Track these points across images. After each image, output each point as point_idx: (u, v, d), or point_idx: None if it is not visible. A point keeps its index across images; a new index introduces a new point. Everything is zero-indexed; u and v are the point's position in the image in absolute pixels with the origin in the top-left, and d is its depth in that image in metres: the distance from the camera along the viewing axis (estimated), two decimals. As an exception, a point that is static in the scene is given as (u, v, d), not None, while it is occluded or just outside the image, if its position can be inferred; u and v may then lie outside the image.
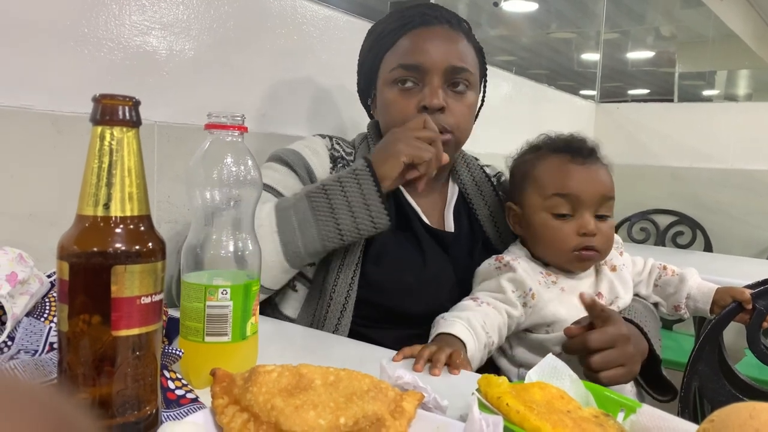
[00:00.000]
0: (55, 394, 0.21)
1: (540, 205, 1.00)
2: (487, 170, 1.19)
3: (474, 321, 0.88)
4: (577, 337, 0.86)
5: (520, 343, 1.00)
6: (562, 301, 0.98)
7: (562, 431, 0.51)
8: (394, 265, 1.01)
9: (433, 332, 0.88)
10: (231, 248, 0.63)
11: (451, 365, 0.76)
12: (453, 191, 1.14)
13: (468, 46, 1.06)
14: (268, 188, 1.01)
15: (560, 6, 2.94)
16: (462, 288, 1.04)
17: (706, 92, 4.27)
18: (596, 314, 0.87)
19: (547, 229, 1.00)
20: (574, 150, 1.01)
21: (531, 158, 1.05)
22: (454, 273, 1.06)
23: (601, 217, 0.99)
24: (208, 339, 0.60)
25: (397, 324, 1.01)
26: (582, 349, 0.84)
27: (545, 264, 1.02)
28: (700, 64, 4.20)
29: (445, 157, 0.96)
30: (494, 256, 1.02)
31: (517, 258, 1.00)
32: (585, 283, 1.01)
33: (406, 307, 1.01)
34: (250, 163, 0.65)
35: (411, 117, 1.00)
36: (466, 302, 0.95)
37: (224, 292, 0.60)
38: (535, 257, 1.03)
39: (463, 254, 1.08)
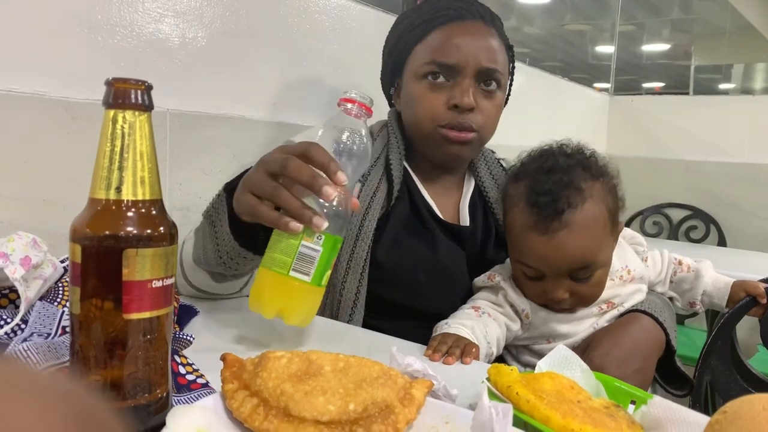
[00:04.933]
0: (76, 386, 0.21)
1: (511, 257, 0.95)
2: (503, 164, 1.18)
3: (477, 331, 0.86)
4: None
5: (524, 350, 0.99)
6: (560, 319, 0.94)
7: (572, 421, 0.50)
8: (406, 259, 1.00)
9: (435, 336, 0.86)
10: (332, 206, 0.68)
11: (465, 354, 0.76)
12: (469, 185, 1.13)
13: (499, 43, 1.03)
14: None
15: (575, -3, 2.92)
16: None
17: (722, 85, 4.21)
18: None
19: (520, 281, 0.94)
20: (538, 210, 0.87)
21: (508, 194, 0.96)
22: (468, 267, 1.05)
23: (581, 279, 0.89)
24: (292, 273, 0.66)
25: (409, 318, 1.00)
26: None
27: None
28: (717, 57, 4.15)
29: (340, 178, 0.65)
30: (487, 273, 0.99)
31: (507, 279, 0.96)
32: None
33: (418, 302, 1.00)
34: (365, 140, 0.71)
35: (439, 113, 0.98)
36: (467, 311, 0.92)
37: (319, 238, 0.66)
38: None
39: (477, 249, 1.07)
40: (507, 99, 1.12)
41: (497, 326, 0.91)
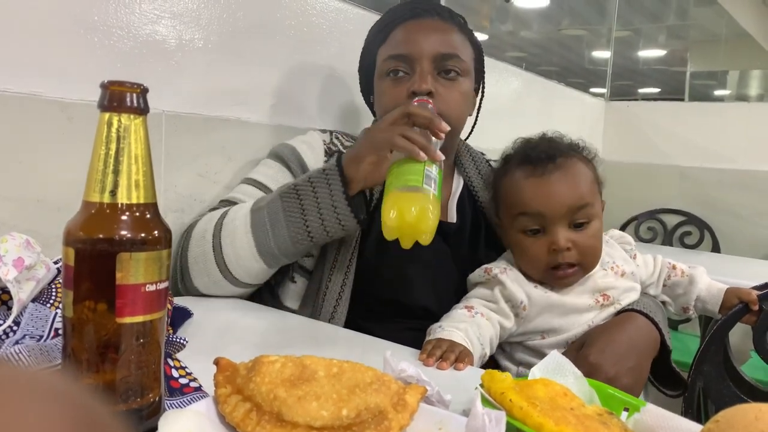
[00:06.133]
0: (75, 387, 0.21)
1: (511, 224, 0.98)
2: (494, 164, 1.19)
3: (471, 333, 0.86)
4: None
5: (518, 347, 0.99)
6: (556, 310, 0.95)
7: (565, 428, 0.50)
8: (393, 255, 1.01)
9: (430, 340, 0.86)
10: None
11: (459, 360, 0.77)
12: (458, 183, 1.14)
13: (461, 36, 1.06)
14: (258, 184, 1.03)
15: (572, 3, 2.92)
16: (463, 280, 1.03)
17: (718, 92, 4.23)
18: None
19: (521, 247, 0.97)
20: (532, 161, 0.97)
21: (500, 172, 1.03)
22: (455, 265, 1.06)
23: (579, 225, 0.95)
24: (425, 186, 0.79)
25: (396, 316, 1.01)
26: None
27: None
28: (712, 63, 4.17)
29: (444, 126, 0.85)
30: (483, 267, 1.00)
31: (505, 270, 0.97)
32: (587, 286, 0.98)
33: (405, 299, 1.01)
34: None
35: (402, 104, 1.00)
36: (460, 311, 0.93)
37: (434, 167, 0.82)
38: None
39: (465, 246, 1.08)
40: (482, 96, 1.14)
41: (490, 326, 0.92)
